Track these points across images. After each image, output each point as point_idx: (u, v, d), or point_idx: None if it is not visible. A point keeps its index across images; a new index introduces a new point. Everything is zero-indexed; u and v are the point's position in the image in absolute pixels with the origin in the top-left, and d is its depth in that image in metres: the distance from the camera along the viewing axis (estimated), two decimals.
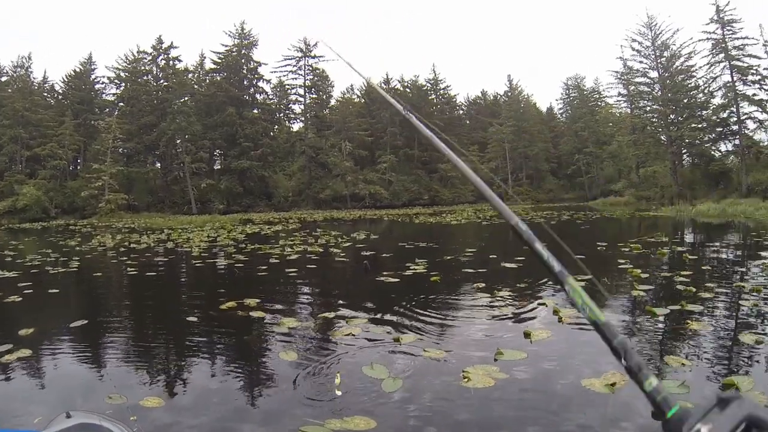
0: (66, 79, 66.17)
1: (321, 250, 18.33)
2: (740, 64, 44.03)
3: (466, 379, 5.26)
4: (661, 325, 7.28)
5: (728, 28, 44.75)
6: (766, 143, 44.75)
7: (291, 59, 70.27)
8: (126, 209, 52.80)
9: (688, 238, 21.32)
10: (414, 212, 50.46)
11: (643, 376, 0.87)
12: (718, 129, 46.66)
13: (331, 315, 8.47)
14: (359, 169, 66.03)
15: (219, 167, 65.64)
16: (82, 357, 6.78)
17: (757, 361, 5.66)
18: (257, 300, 9.42)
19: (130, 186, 56.97)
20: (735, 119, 44.65)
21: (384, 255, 16.98)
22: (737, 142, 44.82)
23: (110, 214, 48.90)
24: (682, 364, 5.55)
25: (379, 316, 8.32)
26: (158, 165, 63.59)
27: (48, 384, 5.74)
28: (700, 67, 50.71)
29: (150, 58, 62.28)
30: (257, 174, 61.31)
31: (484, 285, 10.39)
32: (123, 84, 64.31)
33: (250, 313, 8.58)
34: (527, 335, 6.76)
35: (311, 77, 71.46)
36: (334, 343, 7.03)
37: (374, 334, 7.21)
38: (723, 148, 48.31)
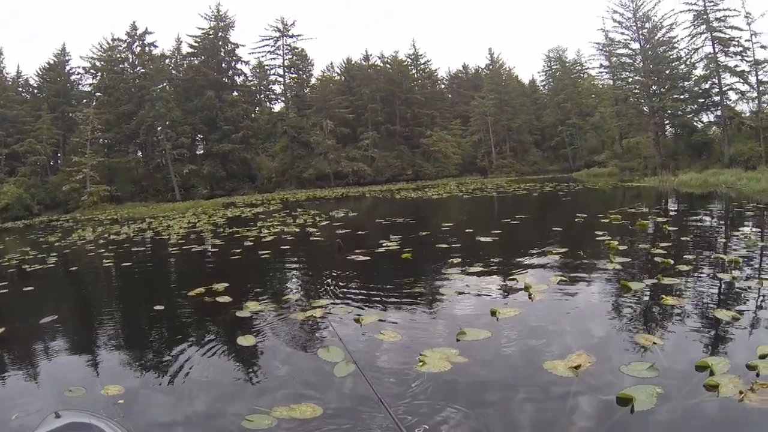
0: (40, 72, 64.43)
1: (297, 230, 18.02)
2: (722, 35, 43.79)
3: (421, 363, 4.99)
4: (635, 301, 6.98)
5: None
6: (747, 114, 44.70)
7: (269, 39, 68.83)
8: (109, 201, 51.81)
9: (670, 208, 21.10)
10: (397, 188, 50.19)
11: None
12: (700, 100, 46.62)
13: (295, 297, 8.31)
14: (341, 147, 65.20)
15: (201, 152, 64.84)
16: (47, 353, 6.73)
17: (734, 340, 5.37)
18: (225, 284, 9.17)
19: (113, 177, 55.99)
20: (717, 90, 44.53)
21: (359, 232, 16.67)
22: (719, 113, 44.77)
23: (93, 207, 47.85)
24: (654, 343, 5.25)
25: (343, 296, 8.10)
26: (139, 153, 62.43)
27: (10, 381, 5.64)
28: (682, 39, 50.48)
29: (125, 45, 60.48)
30: (239, 156, 60.48)
31: (455, 261, 10.07)
32: (99, 73, 62.31)
33: (217, 299, 8.35)
34: (493, 313, 6.46)
35: (290, 57, 70.20)
36: (293, 325, 6.82)
37: (335, 315, 6.97)
38: (705, 119, 48.31)
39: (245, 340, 6.18)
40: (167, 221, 27.20)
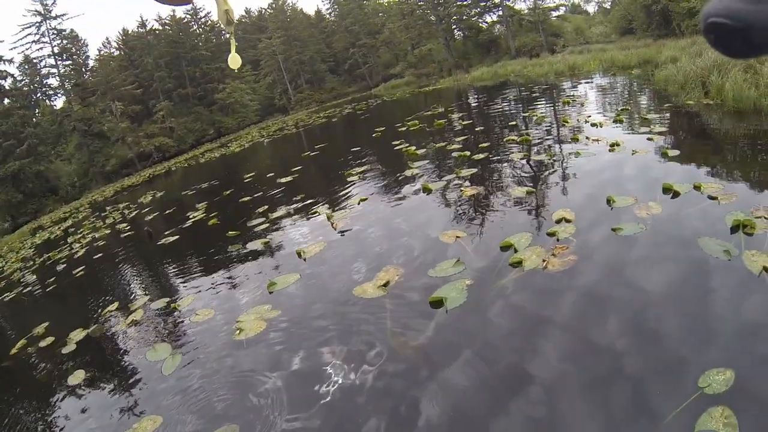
0: None
1: (108, 231, 16.62)
2: None
3: (238, 331, 4.89)
4: (437, 200, 7.09)
5: None
6: (526, 11, 48.75)
7: (30, 27, 62.16)
8: None
9: (466, 103, 21.90)
10: (201, 151, 47.56)
11: None
12: (482, 3, 49.53)
13: (114, 307, 7.51)
14: (138, 127, 61.59)
15: None
16: None
17: (531, 213, 5.77)
18: (45, 324, 8.14)
19: None
20: None
21: (167, 212, 15.67)
22: (501, 12, 48.22)
23: None
24: (458, 237, 5.30)
25: (157, 288, 7.80)
26: None
27: None
28: None
29: None
30: (32, 172, 54.62)
31: (259, 211, 9.90)
32: None
33: (40, 345, 7.34)
34: (299, 254, 6.37)
35: (59, 42, 64.07)
36: (119, 336, 6.32)
37: (152, 310, 6.61)
38: (489, 19, 52.02)
39: (75, 378, 5.54)
40: None
